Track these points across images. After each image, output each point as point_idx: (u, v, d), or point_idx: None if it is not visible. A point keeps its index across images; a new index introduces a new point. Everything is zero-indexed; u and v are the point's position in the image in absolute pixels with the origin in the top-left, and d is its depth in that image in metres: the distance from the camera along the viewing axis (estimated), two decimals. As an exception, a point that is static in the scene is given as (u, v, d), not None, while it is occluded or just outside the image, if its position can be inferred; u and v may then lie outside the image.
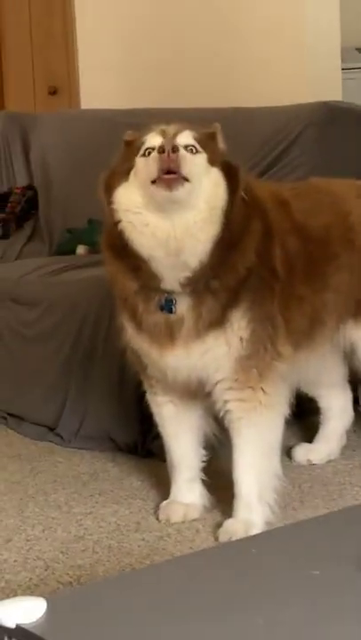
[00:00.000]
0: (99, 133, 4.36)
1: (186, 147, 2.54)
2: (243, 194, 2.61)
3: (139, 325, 2.70)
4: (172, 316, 2.63)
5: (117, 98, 4.66)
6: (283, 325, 2.73)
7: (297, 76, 4.21)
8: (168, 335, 2.65)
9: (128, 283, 2.67)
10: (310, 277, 2.81)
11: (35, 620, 1.44)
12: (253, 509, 2.74)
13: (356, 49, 5.23)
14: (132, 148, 2.61)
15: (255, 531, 2.67)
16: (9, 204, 4.40)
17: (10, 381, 3.70)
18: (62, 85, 5.05)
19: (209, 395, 2.75)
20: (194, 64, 4.52)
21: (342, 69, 4.37)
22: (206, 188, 2.55)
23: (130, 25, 4.79)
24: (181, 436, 2.88)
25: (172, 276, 2.59)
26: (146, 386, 2.89)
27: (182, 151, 2.52)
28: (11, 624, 1.43)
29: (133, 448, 3.36)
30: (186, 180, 2.52)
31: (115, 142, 4.19)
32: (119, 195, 2.60)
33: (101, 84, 4.88)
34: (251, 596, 1.51)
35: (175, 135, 2.56)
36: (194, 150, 2.55)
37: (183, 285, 2.59)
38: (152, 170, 2.52)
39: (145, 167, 2.55)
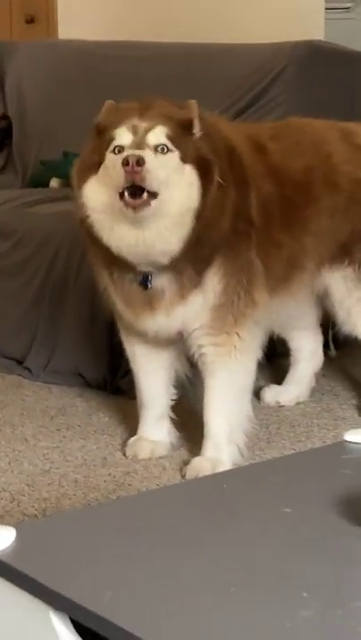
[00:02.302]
0: (76, 65, 4.29)
1: (156, 147, 2.45)
2: (218, 179, 2.52)
3: (115, 289, 2.68)
4: (149, 290, 2.60)
5: (97, 29, 4.57)
6: (261, 272, 2.71)
7: (280, 15, 4.15)
8: (147, 304, 2.64)
9: (100, 257, 2.64)
10: (289, 222, 2.78)
11: (3, 547, 1.42)
12: (222, 449, 2.73)
13: (340, -12, 5.16)
14: (102, 138, 2.51)
15: (223, 469, 2.66)
16: (-18, 134, 4.32)
17: (-21, 313, 3.66)
18: (40, 14, 4.93)
19: (184, 340, 2.73)
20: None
21: (326, 9, 4.31)
22: (178, 192, 2.48)
23: None
24: (152, 374, 2.86)
25: (144, 266, 2.57)
26: (119, 325, 2.87)
27: (149, 161, 2.40)
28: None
29: (102, 384, 3.34)
30: (152, 196, 2.43)
31: (92, 74, 4.16)
32: (87, 190, 2.53)
33: (81, 14, 4.78)
34: (222, 531, 1.50)
35: (146, 132, 2.46)
36: (165, 149, 2.45)
37: (158, 269, 2.57)
38: (119, 177, 2.43)
39: (113, 169, 2.46)
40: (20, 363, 3.52)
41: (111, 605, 1.28)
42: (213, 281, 2.64)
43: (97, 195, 2.53)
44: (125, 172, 2.40)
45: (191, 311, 2.65)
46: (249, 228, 2.68)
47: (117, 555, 1.42)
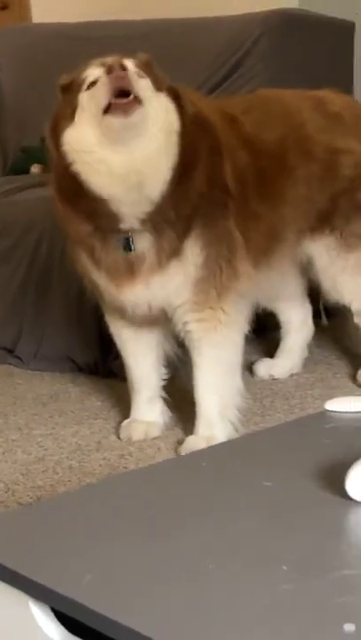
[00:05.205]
0: (52, 48, 4.26)
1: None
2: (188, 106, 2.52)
3: (97, 264, 2.65)
4: (132, 253, 2.57)
5: (70, 11, 4.54)
6: (241, 244, 2.68)
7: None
8: (128, 272, 2.61)
9: (82, 226, 2.60)
10: (266, 193, 2.76)
11: (-19, 540, 1.41)
12: (215, 426, 2.72)
13: None
14: (70, 90, 2.50)
15: (216, 446, 2.65)
16: None
17: (-33, 305, 3.65)
18: (12, 0, 4.91)
19: (169, 319, 2.71)
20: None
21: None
22: (159, 114, 2.46)
23: None
24: (141, 356, 2.85)
25: (132, 214, 2.52)
26: (104, 309, 2.85)
27: (131, 70, 2.43)
28: None
29: (94, 368, 3.33)
30: (139, 102, 2.42)
31: (68, 57, 4.09)
32: (68, 136, 2.50)
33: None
34: (201, 508, 1.48)
35: (119, 62, 2.45)
36: (140, 74, 2.46)
37: (143, 222, 2.54)
38: (102, 97, 2.42)
39: (92, 99, 2.44)
40: (10, 352, 3.51)
41: (88, 590, 1.27)
42: (193, 252, 2.61)
43: (78, 135, 2.49)
44: (109, 80, 2.39)
45: (172, 285, 2.62)
46: (225, 196, 2.65)
47: (96, 539, 1.41)
